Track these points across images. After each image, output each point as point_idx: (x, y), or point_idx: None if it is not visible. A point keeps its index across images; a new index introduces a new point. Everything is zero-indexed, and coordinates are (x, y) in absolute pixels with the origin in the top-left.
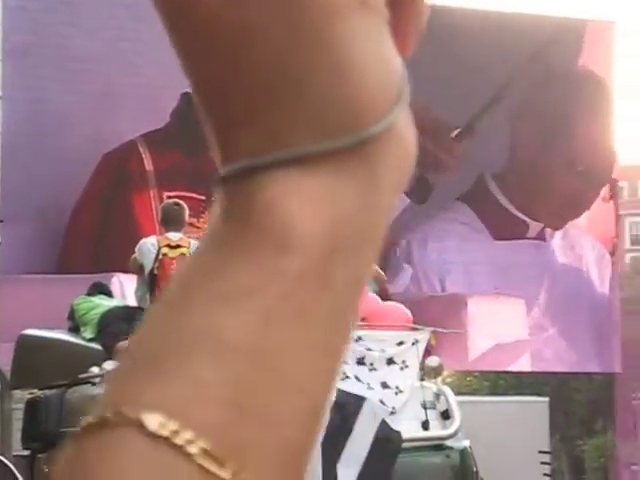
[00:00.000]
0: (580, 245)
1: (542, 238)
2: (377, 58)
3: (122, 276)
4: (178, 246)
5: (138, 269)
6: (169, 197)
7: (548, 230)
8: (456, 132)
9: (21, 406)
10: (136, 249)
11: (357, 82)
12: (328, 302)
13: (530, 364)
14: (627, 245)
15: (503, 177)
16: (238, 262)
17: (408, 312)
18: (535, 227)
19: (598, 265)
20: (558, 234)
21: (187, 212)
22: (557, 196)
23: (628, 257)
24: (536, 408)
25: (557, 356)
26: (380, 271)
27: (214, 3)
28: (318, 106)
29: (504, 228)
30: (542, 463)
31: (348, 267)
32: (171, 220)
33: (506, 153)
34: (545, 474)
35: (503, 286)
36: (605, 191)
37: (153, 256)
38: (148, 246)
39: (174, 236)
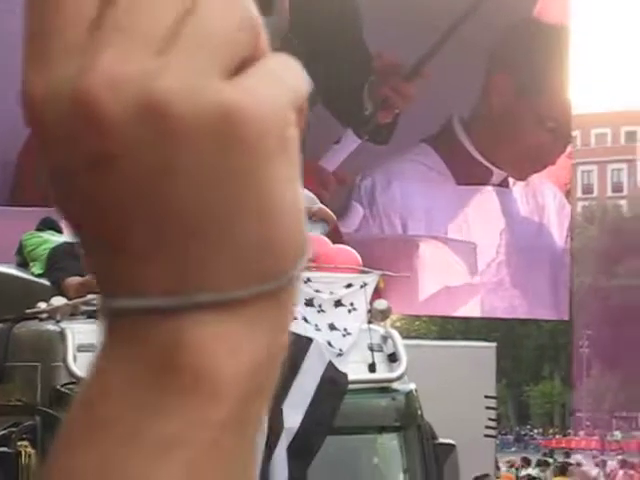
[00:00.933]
0: (542, 194)
1: (505, 186)
2: (296, 206)
3: None
4: None
5: None
6: None
7: (511, 179)
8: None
9: None
10: None
11: (280, 228)
12: (246, 446)
13: (480, 310)
14: (579, 194)
15: (471, 123)
16: (166, 410)
17: (357, 255)
18: (499, 175)
19: (558, 215)
20: (521, 182)
21: None
22: (524, 148)
23: (580, 205)
24: (483, 353)
25: (507, 303)
26: (331, 212)
27: (131, 145)
28: (243, 249)
29: (468, 173)
30: (487, 408)
31: (258, 409)
32: None
33: (477, 100)
34: (490, 419)
35: (460, 231)
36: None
37: None
38: None
39: None
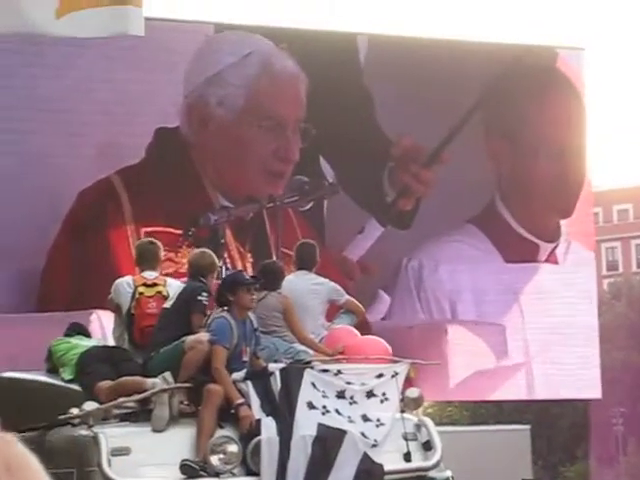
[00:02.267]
0: (575, 266)
1: (554, 261)
2: None
3: (101, 312)
4: (154, 284)
5: (115, 308)
6: (146, 233)
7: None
8: (424, 160)
9: None
10: (112, 289)
11: None
12: None
13: (512, 392)
14: (604, 271)
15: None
16: None
17: (386, 344)
18: (545, 248)
19: (586, 292)
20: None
21: (162, 250)
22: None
23: (605, 283)
24: (518, 436)
25: (537, 383)
26: (358, 304)
27: None
28: None
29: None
30: None
31: None
32: (146, 259)
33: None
34: None
35: (486, 313)
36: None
37: (129, 295)
38: (124, 285)
39: (150, 275)
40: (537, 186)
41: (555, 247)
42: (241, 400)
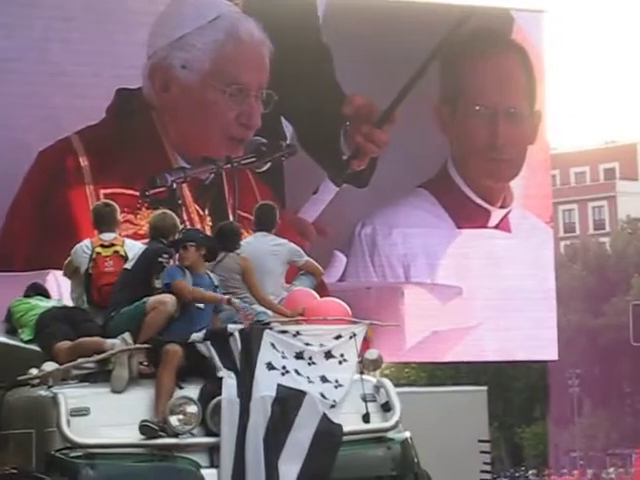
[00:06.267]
0: (526, 234)
1: (505, 228)
2: None
3: (58, 273)
4: (112, 245)
5: (72, 272)
6: (105, 195)
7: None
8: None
9: None
10: (71, 253)
11: None
12: None
13: (468, 354)
14: (561, 233)
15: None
16: None
17: (346, 306)
18: (497, 214)
19: (542, 255)
20: (509, 220)
21: (118, 212)
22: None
23: (562, 245)
24: (475, 397)
25: (495, 346)
26: (317, 265)
27: None
28: None
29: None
30: (482, 452)
31: None
32: (103, 222)
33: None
34: (485, 462)
35: (451, 274)
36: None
37: (87, 257)
38: (83, 248)
39: (107, 236)
40: (490, 150)
41: (507, 212)
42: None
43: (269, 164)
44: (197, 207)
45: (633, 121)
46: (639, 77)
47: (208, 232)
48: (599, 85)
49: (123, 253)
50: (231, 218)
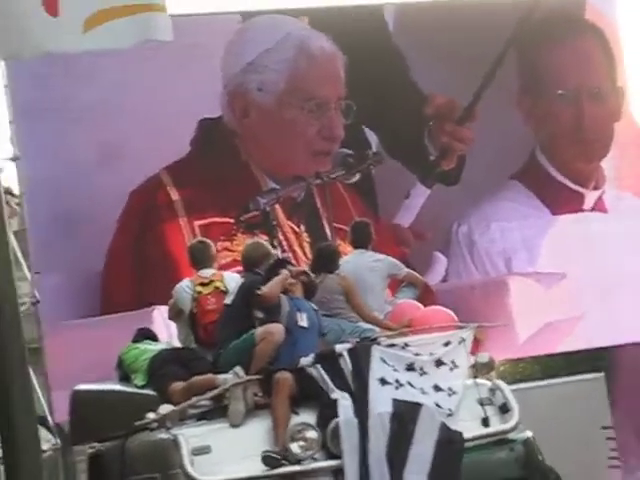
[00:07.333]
0: (625, 211)
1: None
2: None
3: (164, 309)
4: (211, 281)
5: (176, 314)
6: (200, 227)
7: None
8: (457, 118)
9: (83, 458)
10: (173, 295)
11: None
12: None
13: (581, 341)
14: None
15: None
16: None
17: (451, 312)
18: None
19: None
20: (604, 202)
21: (213, 247)
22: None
23: None
24: (592, 384)
25: (605, 330)
26: (418, 275)
27: None
28: None
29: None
30: (608, 439)
31: None
32: (199, 259)
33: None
34: (612, 449)
35: (555, 262)
36: None
37: (189, 296)
38: (183, 288)
39: (206, 272)
40: (577, 132)
41: (601, 193)
42: None
43: (358, 175)
44: (292, 225)
45: None
46: None
47: (306, 248)
48: None
49: (223, 288)
50: (327, 232)
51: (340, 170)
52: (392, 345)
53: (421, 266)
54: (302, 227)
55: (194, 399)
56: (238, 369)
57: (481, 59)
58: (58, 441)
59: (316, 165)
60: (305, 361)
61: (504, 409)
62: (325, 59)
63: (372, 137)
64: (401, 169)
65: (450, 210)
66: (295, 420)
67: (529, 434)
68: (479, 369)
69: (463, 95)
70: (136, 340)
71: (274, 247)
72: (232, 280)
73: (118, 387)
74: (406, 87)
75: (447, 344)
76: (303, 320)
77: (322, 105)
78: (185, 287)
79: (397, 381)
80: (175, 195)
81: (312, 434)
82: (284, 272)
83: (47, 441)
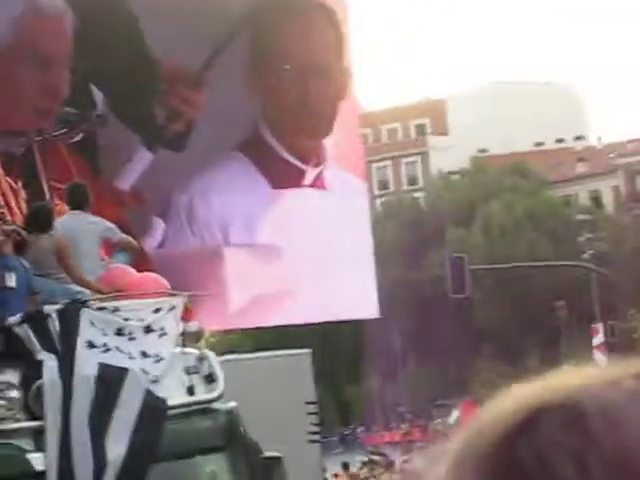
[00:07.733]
0: (342, 192)
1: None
2: None
3: None
4: None
5: None
6: None
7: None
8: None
9: None
10: None
11: None
12: None
13: (291, 316)
14: (376, 191)
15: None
16: None
17: (164, 280)
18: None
19: (358, 213)
20: (324, 179)
21: None
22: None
23: (378, 203)
24: (298, 360)
25: (317, 306)
26: (132, 241)
27: None
28: None
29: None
30: (309, 414)
31: None
32: None
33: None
34: (312, 424)
35: (272, 235)
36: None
37: None
38: None
39: None
40: (301, 107)
41: (321, 170)
42: None
43: (81, 134)
44: (10, 181)
45: (442, 77)
46: (440, 34)
47: (23, 205)
48: (407, 43)
49: None
50: (45, 190)
51: (62, 128)
52: (102, 309)
53: (139, 231)
54: (20, 183)
55: None
56: None
57: (216, 26)
58: None
59: (38, 122)
60: (12, 320)
61: (210, 379)
62: (54, 16)
63: (100, 98)
64: (127, 132)
65: (172, 177)
66: None
67: (233, 405)
68: (188, 338)
69: (196, 62)
70: None
71: None
72: None
73: None
74: (138, 50)
75: (157, 311)
76: (12, 280)
77: (48, 62)
78: None
79: (105, 345)
80: None
81: (14, 393)
82: None
83: None
